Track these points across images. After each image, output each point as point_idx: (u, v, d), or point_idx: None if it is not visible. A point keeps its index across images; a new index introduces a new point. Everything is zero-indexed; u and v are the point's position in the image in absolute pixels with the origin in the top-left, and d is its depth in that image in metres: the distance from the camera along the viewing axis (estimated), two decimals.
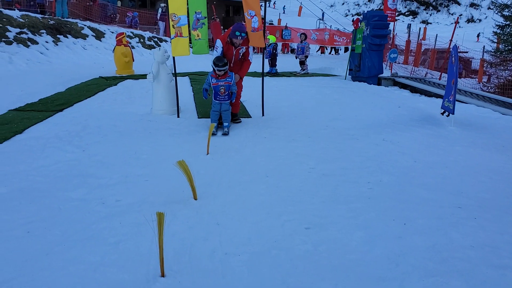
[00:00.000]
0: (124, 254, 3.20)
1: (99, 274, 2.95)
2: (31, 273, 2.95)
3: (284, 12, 49.18)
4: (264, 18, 7.56)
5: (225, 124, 6.68)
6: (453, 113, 7.25)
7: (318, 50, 28.72)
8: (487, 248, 3.32)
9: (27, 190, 4.33)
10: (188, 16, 7.10)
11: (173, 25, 7.01)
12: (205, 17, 7.15)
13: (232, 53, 6.77)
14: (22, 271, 2.97)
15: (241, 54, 6.89)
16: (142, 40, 19.52)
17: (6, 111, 7.53)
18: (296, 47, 15.60)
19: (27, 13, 15.44)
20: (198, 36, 7.20)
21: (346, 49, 26.65)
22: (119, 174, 4.85)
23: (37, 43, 14.21)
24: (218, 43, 6.74)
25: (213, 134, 6.46)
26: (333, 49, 28.95)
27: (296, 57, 14.79)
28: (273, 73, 13.92)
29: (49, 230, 3.55)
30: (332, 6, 73.69)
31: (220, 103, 6.63)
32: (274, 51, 14.32)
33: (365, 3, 76.48)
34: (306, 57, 14.54)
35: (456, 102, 7.36)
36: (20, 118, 7.03)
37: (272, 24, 25.48)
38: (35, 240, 3.39)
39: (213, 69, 6.47)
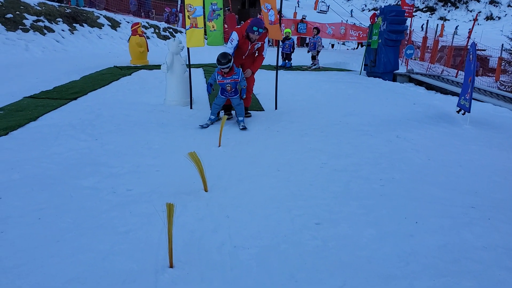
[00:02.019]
0: (133, 243, 3.21)
1: (108, 262, 2.96)
2: (41, 259, 2.97)
3: (298, 6, 48.80)
4: (280, 12, 7.50)
5: (240, 119, 6.57)
6: (469, 112, 7.14)
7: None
8: (500, 250, 3.26)
9: (39, 177, 4.36)
10: (203, 7, 7.07)
11: (188, 15, 6.99)
12: (221, 9, 7.12)
13: (247, 47, 6.64)
14: (32, 257, 2.99)
15: (255, 49, 6.78)
16: (157, 31, 19.53)
17: (21, 98, 7.59)
18: (309, 42, 15.51)
19: (44, 1, 15.53)
20: (213, 27, 7.18)
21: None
22: (131, 164, 4.86)
23: (53, 31, 14.31)
24: (234, 36, 6.55)
25: (203, 126, 6.43)
26: (359, 45, 28.66)
27: (309, 51, 14.72)
28: (288, 67, 13.87)
29: (60, 217, 3.57)
30: (348, 0, 72.93)
31: (226, 98, 6.56)
32: (294, 45, 14.29)
33: None
34: (318, 52, 14.45)
35: (472, 100, 7.25)
36: (34, 106, 7.08)
37: (305, 18, 25.18)
38: (46, 227, 3.41)
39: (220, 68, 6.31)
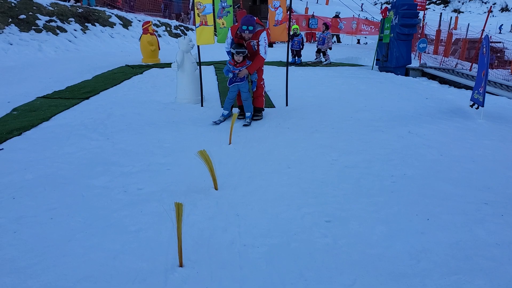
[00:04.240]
0: (143, 243, 3.23)
1: (119, 262, 2.99)
2: (53, 259, 3.00)
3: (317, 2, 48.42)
4: (290, 8, 7.46)
5: (247, 114, 6.59)
6: (482, 106, 7.04)
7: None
8: None
9: (52, 177, 4.41)
10: (213, 5, 7.07)
11: (198, 13, 6.99)
12: (230, 6, 7.10)
13: (243, 45, 6.38)
14: (44, 256, 3.03)
15: (254, 47, 6.47)
16: (168, 29, 19.59)
17: (35, 98, 7.68)
18: (318, 37, 15.43)
19: (56, 1, 15.67)
20: (223, 24, 7.17)
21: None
22: (142, 163, 4.89)
23: (65, 31, 14.44)
24: (229, 33, 6.48)
25: (216, 123, 6.43)
26: None
27: (317, 47, 14.63)
28: (298, 64, 13.81)
29: (71, 217, 3.61)
30: None
31: (237, 90, 6.52)
32: (303, 41, 14.24)
33: None
34: (330, 48, 14.38)
35: (486, 94, 7.14)
36: (47, 106, 7.16)
37: (339, 14, 25.01)
38: (58, 226, 3.45)
39: (232, 55, 6.32)
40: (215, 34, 7.24)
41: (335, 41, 25.00)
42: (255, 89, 6.67)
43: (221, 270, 2.91)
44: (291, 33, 13.95)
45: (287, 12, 7.29)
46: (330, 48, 14.43)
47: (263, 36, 6.42)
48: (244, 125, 6.47)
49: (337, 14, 25.06)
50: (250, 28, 6.15)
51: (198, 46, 7.33)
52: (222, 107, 7.55)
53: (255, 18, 6.37)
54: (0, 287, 2.71)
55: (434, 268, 2.94)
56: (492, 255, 3.10)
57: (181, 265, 2.92)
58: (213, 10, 7.10)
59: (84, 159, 4.95)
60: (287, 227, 3.50)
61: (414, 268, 2.95)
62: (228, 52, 6.55)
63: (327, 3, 48.30)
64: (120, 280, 2.80)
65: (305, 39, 17.46)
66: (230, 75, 6.42)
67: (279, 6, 6.96)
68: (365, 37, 27.18)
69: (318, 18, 22.99)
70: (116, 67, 11.38)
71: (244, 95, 6.54)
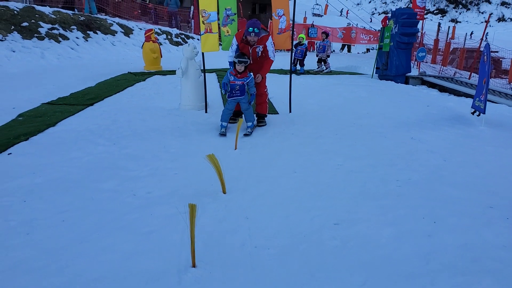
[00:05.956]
0: (156, 244, 3.27)
1: (132, 262, 3.02)
2: (66, 260, 3.04)
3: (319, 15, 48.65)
4: (293, 17, 7.54)
5: (249, 124, 6.55)
6: (484, 113, 7.12)
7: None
8: None
9: (61, 181, 4.45)
10: (218, 13, 7.15)
11: (203, 21, 7.07)
12: (235, 14, 7.18)
13: (248, 51, 6.45)
14: (57, 258, 3.07)
15: (259, 53, 6.52)
16: (169, 37, 19.69)
17: (39, 105, 7.72)
18: (317, 45, 15.46)
19: (58, 9, 15.76)
20: (227, 32, 7.24)
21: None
22: (149, 167, 4.93)
23: (68, 38, 14.50)
24: (233, 40, 6.53)
25: (223, 134, 6.34)
26: None
27: (317, 55, 14.69)
28: (301, 73, 13.81)
29: (82, 219, 3.65)
30: (358, 4, 72.71)
31: (236, 103, 6.48)
32: (307, 50, 14.30)
33: (392, 1, 75.15)
34: (328, 56, 14.46)
35: (487, 102, 7.21)
36: (52, 112, 7.20)
37: (350, 24, 25.34)
38: (70, 228, 3.49)
39: (234, 64, 6.28)
40: (220, 42, 7.31)
41: (334, 50, 25.16)
42: (253, 102, 6.58)
43: (233, 270, 2.95)
44: (296, 41, 13.91)
45: (290, 21, 7.37)
46: (328, 56, 14.51)
47: (270, 41, 6.53)
48: (245, 135, 6.37)
49: (348, 24, 25.41)
50: (256, 30, 6.23)
51: (203, 54, 7.40)
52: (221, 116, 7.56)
53: (259, 22, 6.45)
54: None
55: (443, 269, 2.99)
56: (499, 256, 3.15)
57: (194, 266, 2.96)
58: (218, 18, 7.18)
59: (92, 164, 4.99)
60: (297, 229, 3.54)
61: (423, 269, 2.99)
62: (230, 63, 6.55)
63: (325, 13, 48.56)
64: (133, 281, 2.84)
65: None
66: (223, 91, 6.45)
67: (283, 14, 7.05)
68: (374, 48, 27.45)
69: (318, 27, 23.14)
70: (119, 74, 11.43)
71: (244, 106, 6.50)
